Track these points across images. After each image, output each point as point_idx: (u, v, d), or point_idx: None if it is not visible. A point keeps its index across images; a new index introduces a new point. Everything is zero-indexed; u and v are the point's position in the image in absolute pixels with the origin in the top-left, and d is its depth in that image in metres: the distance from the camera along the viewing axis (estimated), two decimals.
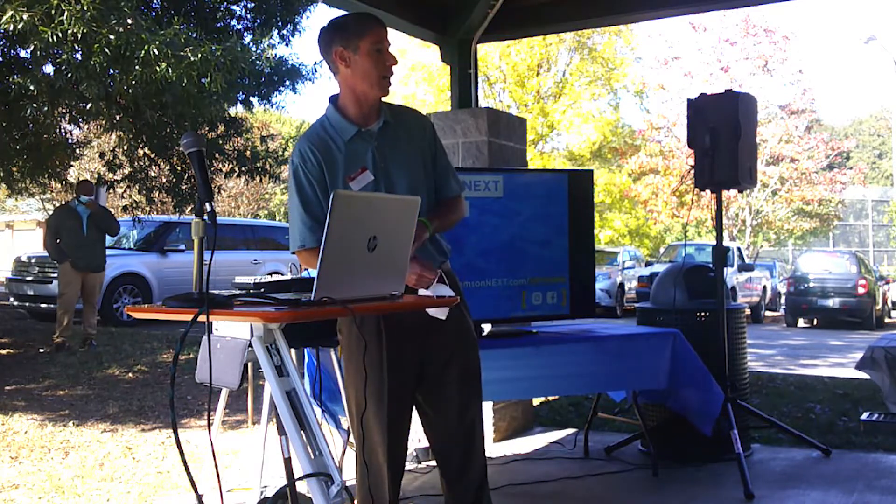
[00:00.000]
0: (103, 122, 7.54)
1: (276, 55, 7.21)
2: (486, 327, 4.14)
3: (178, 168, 8.89)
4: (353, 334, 2.62)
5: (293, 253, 2.66)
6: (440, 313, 2.53)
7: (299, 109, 65.22)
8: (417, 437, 4.25)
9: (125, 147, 8.72)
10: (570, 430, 5.28)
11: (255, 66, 6.77)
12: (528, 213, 4.19)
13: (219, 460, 2.60)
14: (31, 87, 6.12)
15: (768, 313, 19.87)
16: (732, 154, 4.44)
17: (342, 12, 2.89)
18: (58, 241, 8.83)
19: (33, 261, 11.96)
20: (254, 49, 6.62)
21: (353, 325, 2.61)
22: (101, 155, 9.77)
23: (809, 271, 17.03)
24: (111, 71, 6.13)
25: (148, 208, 9.78)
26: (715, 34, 22.92)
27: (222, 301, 2.18)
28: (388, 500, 2.63)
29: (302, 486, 2.33)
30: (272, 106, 8.31)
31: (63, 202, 10.08)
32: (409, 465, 4.00)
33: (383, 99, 2.67)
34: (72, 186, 9.58)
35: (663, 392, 4.33)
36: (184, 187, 8.93)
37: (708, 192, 4.71)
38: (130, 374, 7.50)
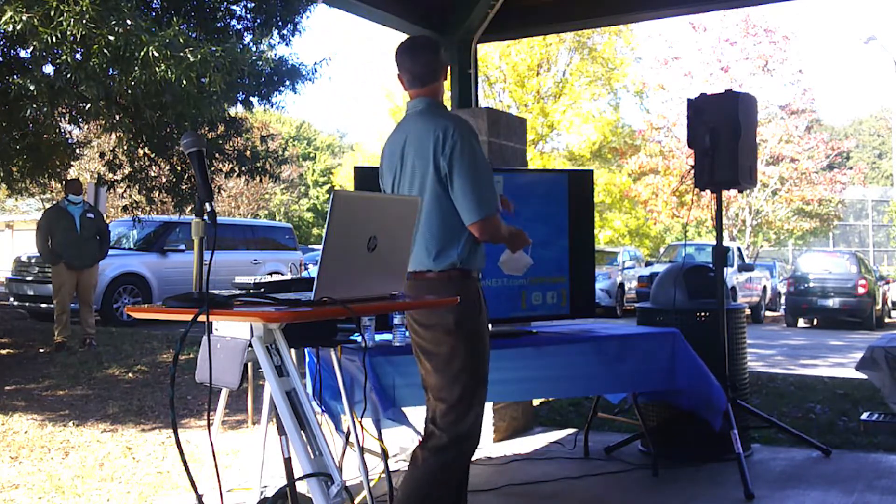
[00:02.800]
0: (103, 122, 7.52)
1: (276, 55, 7.18)
2: None
3: (178, 168, 8.88)
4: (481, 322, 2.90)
5: (483, 220, 2.78)
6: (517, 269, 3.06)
7: (299, 109, 65.29)
8: (410, 438, 4.25)
9: (125, 147, 8.71)
10: (570, 430, 5.28)
11: (255, 66, 6.74)
12: (529, 213, 4.19)
13: (219, 460, 2.60)
14: (31, 87, 6.10)
15: (768, 313, 19.86)
16: (732, 154, 4.44)
17: (342, 12, 2.96)
18: (49, 242, 8.82)
19: (33, 261, 11.94)
20: (254, 49, 6.60)
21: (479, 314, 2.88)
22: (101, 155, 9.75)
23: (809, 271, 17.02)
24: (111, 71, 6.12)
25: (148, 208, 9.77)
26: (715, 34, 22.94)
27: (222, 301, 2.18)
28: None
29: (302, 486, 2.33)
30: (272, 106, 8.26)
31: (53, 203, 10.04)
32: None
33: None
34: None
35: (665, 391, 4.32)
36: (184, 187, 8.91)
37: (708, 192, 4.71)
38: (130, 374, 7.50)
